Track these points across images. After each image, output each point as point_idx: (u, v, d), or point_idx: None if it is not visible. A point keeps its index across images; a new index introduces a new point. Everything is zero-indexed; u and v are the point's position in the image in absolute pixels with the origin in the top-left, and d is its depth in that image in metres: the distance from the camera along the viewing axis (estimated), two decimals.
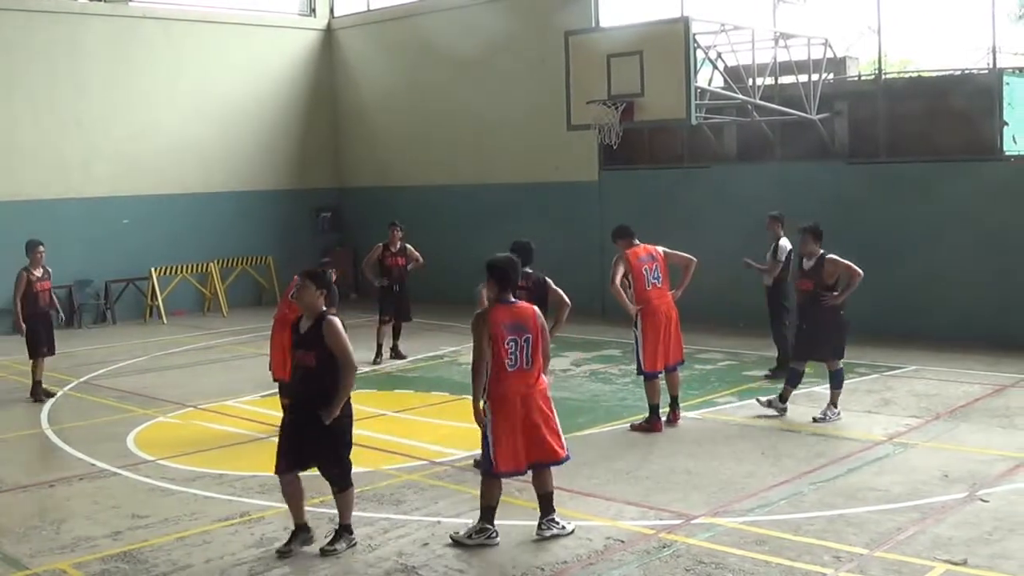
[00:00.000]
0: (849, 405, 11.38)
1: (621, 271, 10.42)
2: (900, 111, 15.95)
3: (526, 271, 9.04)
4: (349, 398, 7.32)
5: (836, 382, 10.85)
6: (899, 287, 15.03)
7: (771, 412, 10.96)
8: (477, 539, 7.41)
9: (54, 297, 13.67)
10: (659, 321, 10.51)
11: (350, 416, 7.42)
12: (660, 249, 10.70)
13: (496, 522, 7.41)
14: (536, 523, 7.58)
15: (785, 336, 12.91)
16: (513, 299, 7.47)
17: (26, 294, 13.01)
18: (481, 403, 7.31)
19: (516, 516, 8.01)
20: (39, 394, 13.10)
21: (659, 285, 10.55)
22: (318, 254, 18.03)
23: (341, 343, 7.21)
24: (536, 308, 7.58)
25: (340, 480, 7.41)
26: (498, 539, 7.43)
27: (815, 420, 10.65)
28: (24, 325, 13.04)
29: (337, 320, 7.31)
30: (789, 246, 12.86)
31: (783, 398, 10.99)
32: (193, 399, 12.80)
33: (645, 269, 10.47)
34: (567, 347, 15.23)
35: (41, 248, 13.28)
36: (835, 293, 10.57)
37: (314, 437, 7.24)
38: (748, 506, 8.12)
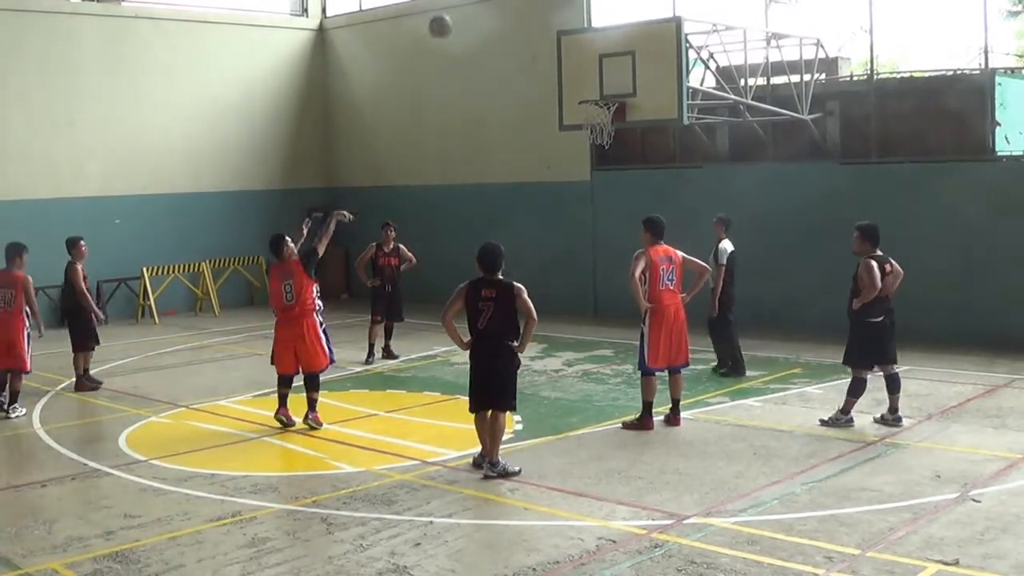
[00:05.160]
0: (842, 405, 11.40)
1: (641, 266, 10.40)
2: (892, 111, 15.96)
3: (497, 278, 9.01)
4: None
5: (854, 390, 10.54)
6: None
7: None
8: None
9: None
10: (668, 321, 10.52)
11: None
12: (679, 253, 10.68)
13: (489, 521, 7.36)
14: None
15: (723, 337, 13.12)
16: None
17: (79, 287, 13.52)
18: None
19: (509, 516, 8.03)
20: (94, 383, 13.58)
21: (671, 288, 10.56)
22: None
23: None
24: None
25: None
26: None
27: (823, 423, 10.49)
28: (102, 315, 13.92)
29: None
30: (731, 248, 12.95)
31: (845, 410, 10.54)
32: (185, 399, 12.76)
33: (662, 270, 10.48)
34: (559, 347, 15.21)
35: (83, 243, 13.87)
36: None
37: None
38: (740, 506, 8.12)
